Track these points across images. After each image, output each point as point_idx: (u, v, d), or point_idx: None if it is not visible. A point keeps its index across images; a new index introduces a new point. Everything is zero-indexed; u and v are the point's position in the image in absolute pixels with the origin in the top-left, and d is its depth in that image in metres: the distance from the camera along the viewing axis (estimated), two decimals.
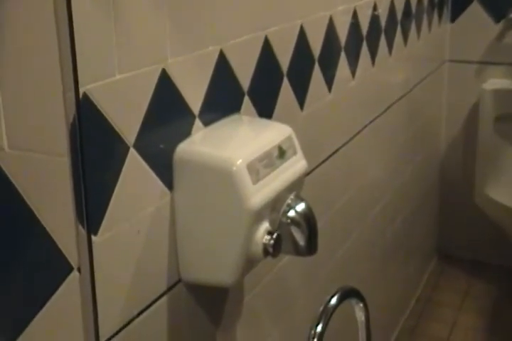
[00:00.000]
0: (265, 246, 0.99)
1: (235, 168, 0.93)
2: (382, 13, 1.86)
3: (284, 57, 1.28)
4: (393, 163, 2.18)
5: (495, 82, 2.73)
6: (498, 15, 2.67)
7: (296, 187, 1.08)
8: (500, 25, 2.68)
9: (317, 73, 1.45)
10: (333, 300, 1.01)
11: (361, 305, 1.06)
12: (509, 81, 2.71)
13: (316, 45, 1.43)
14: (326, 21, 1.47)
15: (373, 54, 1.81)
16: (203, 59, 1.01)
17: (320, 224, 1.12)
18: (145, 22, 0.87)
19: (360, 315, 1.07)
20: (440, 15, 2.60)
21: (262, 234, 0.98)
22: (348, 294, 1.04)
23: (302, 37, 1.35)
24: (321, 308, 1.00)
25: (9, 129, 0.79)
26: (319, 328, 0.98)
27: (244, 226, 0.95)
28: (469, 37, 2.74)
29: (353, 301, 1.06)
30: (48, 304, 0.83)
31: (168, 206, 0.96)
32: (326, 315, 0.99)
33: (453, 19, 2.76)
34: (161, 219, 0.95)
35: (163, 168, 0.94)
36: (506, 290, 2.76)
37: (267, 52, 1.21)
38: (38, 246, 0.82)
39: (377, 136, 1.94)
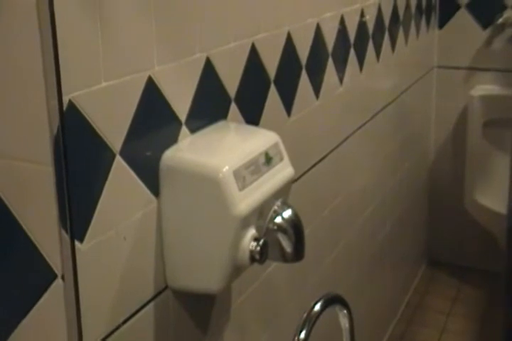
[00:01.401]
0: (252, 253, 0.99)
1: (221, 175, 0.93)
2: (370, 20, 1.87)
3: (271, 64, 1.29)
4: (381, 169, 2.19)
5: (483, 87, 2.74)
6: (485, 22, 2.69)
7: (282, 194, 1.08)
8: (488, 31, 2.69)
9: (304, 80, 1.45)
10: (317, 307, 1.01)
11: (345, 311, 1.06)
12: (497, 87, 2.73)
13: (304, 52, 1.43)
14: (314, 28, 1.48)
15: (361, 60, 1.82)
16: (189, 66, 1.01)
17: (307, 231, 1.12)
18: (131, 29, 0.87)
19: (344, 321, 1.07)
20: (428, 22, 2.62)
21: (249, 240, 0.98)
22: (332, 301, 1.04)
23: (289, 44, 1.35)
24: (305, 315, 1.00)
25: None
26: (303, 335, 0.98)
27: (230, 232, 0.95)
28: (457, 43, 2.76)
29: (337, 308, 1.06)
30: (32, 312, 0.83)
31: (154, 213, 0.96)
32: (310, 321, 0.99)
33: (441, 25, 2.78)
34: (148, 226, 0.95)
35: (150, 175, 0.94)
36: (495, 296, 2.77)
37: (254, 59, 1.21)
38: (21, 254, 0.82)
39: (366, 142, 1.95)
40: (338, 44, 1.61)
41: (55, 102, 0.75)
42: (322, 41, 1.53)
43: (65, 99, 0.76)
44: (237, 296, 1.23)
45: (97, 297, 0.86)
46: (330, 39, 1.57)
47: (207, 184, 0.94)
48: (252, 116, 1.23)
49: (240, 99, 1.16)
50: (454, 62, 2.77)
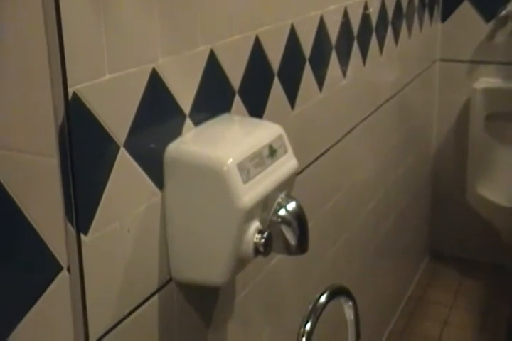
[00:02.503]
0: (256, 245, 0.99)
1: (225, 168, 0.93)
2: (373, 13, 1.86)
3: (275, 57, 1.28)
4: (384, 162, 2.19)
5: (486, 80, 2.74)
6: (488, 15, 2.68)
7: (286, 186, 1.08)
8: (491, 24, 2.69)
9: (308, 72, 1.45)
10: (322, 299, 1.01)
11: (350, 303, 1.06)
12: (500, 80, 2.73)
13: (307, 45, 1.43)
14: (317, 21, 1.47)
15: (364, 53, 1.81)
16: (193, 58, 1.01)
17: (311, 223, 1.12)
18: (135, 22, 0.87)
19: (349, 313, 1.07)
20: (431, 15, 2.61)
21: (253, 233, 0.98)
22: (337, 292, 1.05)
23: (293, 36, 1.35)
24: (310, 306, 1.00)
25: None
26: (308, 326, 0.98)
27: (234, 225, 0.95)
28: (460, 36, 2.75)
29: (342, 299, 1.06)
30: (38, 304, 0.83)
31: (158, 205, 0.96)
32: (315, 313, 0.99)
33: (444, 18, 2.77)
34: (152, 218, 0.95)
35: (154, 167, 0.94)
36: (497, 288, 2.77)
37: (258, 51, 1.21)
38: (27, 246, 0.82)
39: (369, 134, 1.94)
40: (341, 37, 1.61)
41: (60, 94, 0.75)
42: (325, 34, 1.53)
43: (69, 92, 0.76)
44: (240, 289, 1.24)
45: (102, 289, 0.86)
46: (333, 32, 1.57)
47: (211, 176, 0.94)
48: (256, 109, 1.23)
49: (243, 92, 1.16)
50: (457, 55, 2.77)
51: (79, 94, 0.78)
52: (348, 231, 1.87)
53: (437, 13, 2.72)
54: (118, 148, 0.86)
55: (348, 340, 1.12)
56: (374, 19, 1.87)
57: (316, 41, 1.46)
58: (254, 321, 1.34)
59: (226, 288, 1.18)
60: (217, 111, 1.09)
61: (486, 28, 2.70)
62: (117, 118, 0.85)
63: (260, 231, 0.99)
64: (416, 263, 2.89)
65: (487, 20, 2.69)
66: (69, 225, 0.79)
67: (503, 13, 2.64)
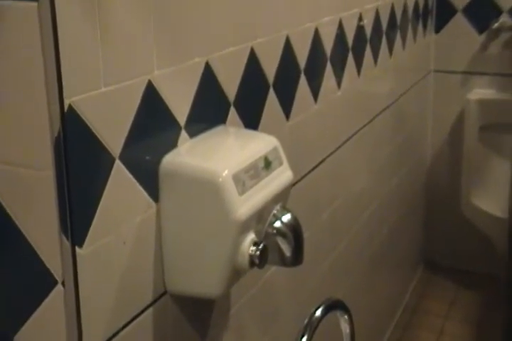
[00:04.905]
0: (251, 257, 0.99)
1: (220, 179, 0.93)
2: (368, 24, 1.87)
3: (270, 68, 1.29)
4: (379, 172, 2.19)
5: (479, 91, 2.75)
6: (481, 27, 2.70)
7: (282, 198, 1.08)
8: (484, 36, 2.70)
9: (303, 84, 1.45)
10: (318, 312, 1.01)
11: (346, 317, 1.06)
12: (493, 91, 2.74)
13: (302, 56, 1.43)
14: (312, 32, 1.48)
15: (359, 64, 1.82)
16: (188, 70, 1.01)
17: (306, 235, 1.12)
18: (131, 34, 0.87)
19: (345, 327, 1.07)
20: (425, 26, 2.63)
21: (248, 245, 0.98)
22: (333, 306, 1.04)
23: (288, 48, 1.35)
24: (306, 320, 1.00)
25: None
26: (304, 340, 0.98)
27: (230, 237, 0.95)
28: (454, 47, 2.77)
29: (338, 313, 1.06)
30: (32, 318, 0.82)
31: (153, 217, 0.95)
32: (311, 327, 0.99)
33: (437, 30, 2.79)
34: (147, 230, 0.94)
35: (149, 179, 0.94)
36: (492, 299, 2.77)
37: (253, 63, 1.21)
38: (21, 260, 0.81)
39: (363, 145, 1.95)
40: (336, 48, 1.61)
41: (56, 107, 0.75)
42: (320, 45, 1.53)
43: (65, 104, 0.76)
44: (235, 300, 1.23)
45: (97, 302, 0.85)
46: (328, 43, 1.58)
47: (207, 188, 0.93)
48: (251, 121, 1.23)
49: (239, 104, 1.16)
50: (451, 66, 2.78)
51: (74, 107, 0.77)
52: (343, 242, 1.86)
53: (431, 24, 2.74)
54: (113, 160, 0.86)
55: None
56: (368, 31, 1.88)
57: (311, 53, 1.47)
58: (250, 333, 1.33)
59: (221, 300, 1.17)
60: (213, 123, 1.10)
61: (478, 39, 2.72)
62: (112, 130, 0.85)
63: (255, 243, 0.99)
64: (411, 273, 2.89)
65: (480, 31, 2.71)
66: (64, 238, 0.79)
67: (496, 25, 2.66)
